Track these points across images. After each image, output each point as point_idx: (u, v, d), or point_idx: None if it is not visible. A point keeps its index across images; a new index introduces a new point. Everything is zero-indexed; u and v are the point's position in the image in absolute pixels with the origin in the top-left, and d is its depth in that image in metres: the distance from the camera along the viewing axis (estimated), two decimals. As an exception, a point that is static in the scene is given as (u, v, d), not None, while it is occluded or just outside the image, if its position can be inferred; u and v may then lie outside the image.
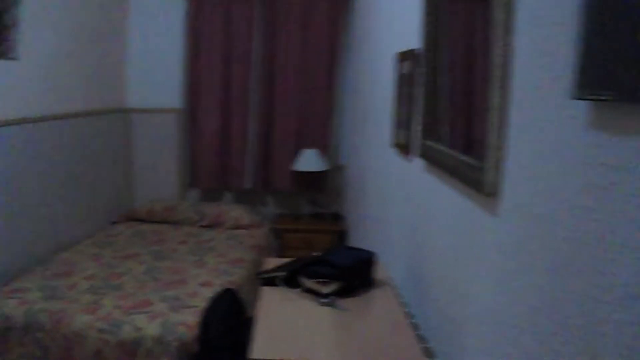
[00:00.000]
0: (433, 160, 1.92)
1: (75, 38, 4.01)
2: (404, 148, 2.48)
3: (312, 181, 4.88)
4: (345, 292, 2.09)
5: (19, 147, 3.43)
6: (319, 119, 4.86)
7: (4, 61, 3.26)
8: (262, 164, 4.95)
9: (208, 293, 3.13)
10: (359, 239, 3.97)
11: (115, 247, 3.97)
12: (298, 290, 2.13)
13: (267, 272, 2.24)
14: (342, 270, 2.05)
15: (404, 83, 2.50)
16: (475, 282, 1.48)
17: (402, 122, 2.52)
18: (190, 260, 3.74)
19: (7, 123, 3.31)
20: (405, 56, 2.47)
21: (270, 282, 2.19)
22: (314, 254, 2.30)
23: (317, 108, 4.84)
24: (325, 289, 2.03)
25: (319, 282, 2.04)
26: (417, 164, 2.24)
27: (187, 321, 2.80)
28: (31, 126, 3.53)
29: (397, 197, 2.65)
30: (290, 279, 2.16)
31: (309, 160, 4.66)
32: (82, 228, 4.20)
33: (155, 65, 4.95)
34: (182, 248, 4.02)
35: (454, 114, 1.85)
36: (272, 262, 2.39)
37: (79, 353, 2.75)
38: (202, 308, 2.82)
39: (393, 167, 2.76)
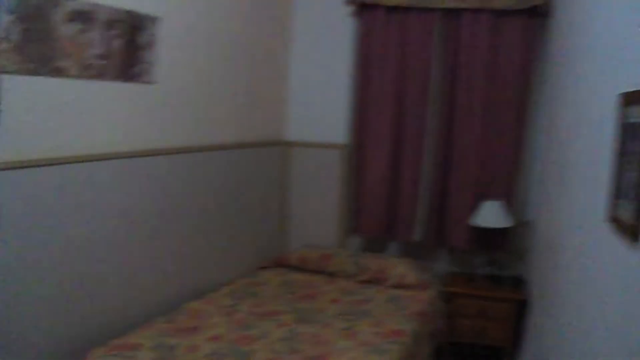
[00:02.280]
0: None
1: (226, 63, 3.63)
2: (628, 229, 1.72)
3: (493, 237, 4.10)
4: None
5: (154, 180, 3.09)
6: (504, 165, 4.06)
7: (138, 84, 2.92)
8: (435, 215, 4.25)
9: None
10: (544, 317, 3.16)
11: (256, 299, 3.49)
12: None
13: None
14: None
15: (632, 137, 1.75)
16: None
17: (627, 192, 1.77)
18: (338, 327, 3.14)
19: (143, 154, 2.99)
20: (635, 99, 1.73)
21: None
22: None
23: (503, 152, 4.05)
24: None
25: None
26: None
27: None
28: (168, 158, 3.18)
29: (611, 291, 1.88)
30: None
31: (489, 214, 3.91)
32: (223, 272, 3.77)
33: (318, 95, 4.48)
34: (332, 308, 3.44)
35: None
36: None
37: None
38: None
39: (606, 249, 1.99)
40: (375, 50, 4.21)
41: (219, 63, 3.54)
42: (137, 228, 3.02)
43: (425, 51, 4.13)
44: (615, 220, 1.87)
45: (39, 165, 2.47)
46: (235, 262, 3.91)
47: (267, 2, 4.03)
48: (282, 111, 4.42)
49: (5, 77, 2.31)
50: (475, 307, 3.92)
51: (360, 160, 4.36)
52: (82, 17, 2.57)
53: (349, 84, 4.37)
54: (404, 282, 3.89)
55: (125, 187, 2.92)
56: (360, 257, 4.17)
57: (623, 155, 1.84)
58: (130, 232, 2.97)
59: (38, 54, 2.41)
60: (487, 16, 3.96)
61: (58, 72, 2.51)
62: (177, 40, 3.16)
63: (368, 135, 4.30)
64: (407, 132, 4.24)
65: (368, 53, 4.23)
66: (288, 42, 4.40)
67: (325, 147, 4.45)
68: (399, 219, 4.33)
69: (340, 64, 4.38)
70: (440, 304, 3.87)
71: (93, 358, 2.58)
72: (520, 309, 3.89)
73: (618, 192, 1.87)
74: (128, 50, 2.83)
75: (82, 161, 2.67)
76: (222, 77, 3.60)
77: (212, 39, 3.46)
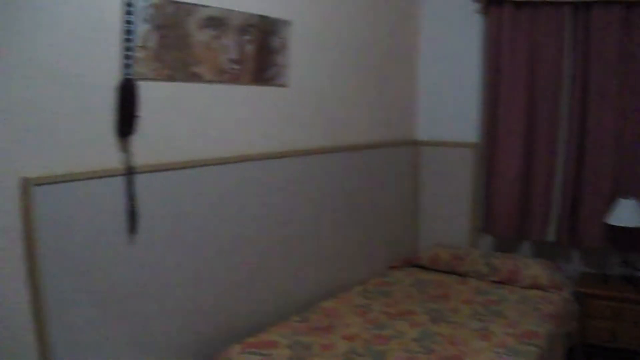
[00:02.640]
0: None
1: (356, 64, 3.47)
2: None
3: (628, 237, 3.65)
4: None
5: (288, 181, 2.98)
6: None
7: (272, 88, 2.82)
8: (568, 213, 3.85)
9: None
10: None
11: (389, 299, 3.29)
12: None
13: None
14: None
15: None
16: None
17: None
18: (472, 328, 2.89)
19: (278, 155, 2.91)
20: None
21: None
22: None
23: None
24: None
25: None
26: None
27: None
28: (302, 159, 3.07)
29: None
30: None
31: (625, 212, 3.47)
32: (355, 272, 3.61)
33: (448, 93, 4.19)
34: (465, 309, 3.17)
35: None
36: None
37: None
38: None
39: None
40: (504, 46, 3.87)
41: (348, 64, 3.39)
42: (271, 229, 2.92)
43: (555, 46, 3.74)
44: None
45: (176, 168, 2.42)
46: (367, 261, 3.74)
47: (392, 3, 3.80)
48: (412, 111, 4.19)
49: (144, 83, 2.26)
50: (609, 309, 3.51)
51: (492, 158, 4.04)
52: (216, 23, 2.49)
53: (479, 82, 4.05)
54: (537, 283, 3.55)
55: (259, 189, 2.83)
56: (492, 257, 3.86)
57: None
58: (264, 233, 2.88)
59: (174, 60, 2.36)
60: (618, 8, 3.51)
61: (194, 78, 2.45)
62: (307, 43, 3.04)
63: (499, 132, 3.97)
64: (539, 129, 3.87)
65: (497, 49, 3.91)
66: (416, 41, 4.17)
67: (456, 145, 4.16)
68: (531, 218, 3.97)
69: (470, 62, 4.08)
70: (573, 305, 3.49)
71: (229, 355, 2.50)
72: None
73: None
74: (261, 54, 2.73)
75: (218, 164, 2.60)
76: (352, 79, 3.44)
77: (341, 40, 3.31)
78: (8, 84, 1.91)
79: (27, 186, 1.96)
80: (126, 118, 2.21)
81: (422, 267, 3.93)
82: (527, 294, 3.44)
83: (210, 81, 2.53)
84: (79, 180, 2.10)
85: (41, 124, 2.01)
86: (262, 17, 2.70)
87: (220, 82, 2.58)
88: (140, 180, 2.28)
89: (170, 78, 2.36)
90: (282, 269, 3.01)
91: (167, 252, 2.42)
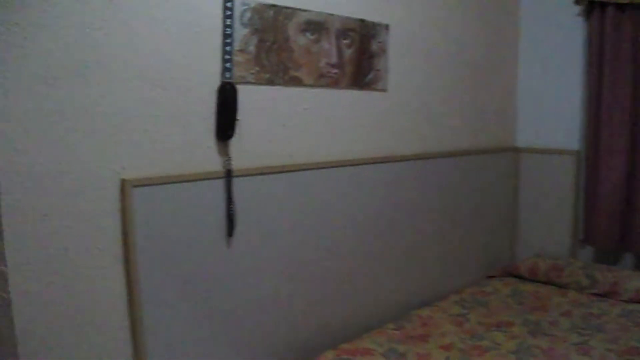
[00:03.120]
0: None
1: (453, 69, 3.17)
2: None
3: None
4: None
5: (386, 186, 2.76)
6: None
7: (371, 92, 2.59)
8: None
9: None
10: None
11: (486, 309, 2.97)
12: None
13: None
14: None
15: None
16: None
17: None
18: (572, 342, 2.54)
19: (377, 161, 2.68)
20: None
21: None
22: None
23: None
24: None
25: None
26: None
27: None
28: (401, 164, 2.83)
29: None
30: None
31: None
32: (451, 280, 3.31)
33: (548, 99, 3.79)
34: (564, 322, 2.81)
35: None
36: None
37: None
38: None
39: None
40: (607, 50, 3.44)
41: (445, 69, 3.10)
42: (367, 235, 2.70)
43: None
44: None
45: (273, 172, 2.25)
46: (463, 270, 3.43)
47: (491, 6, 3.45)
48: (511, 117, 3.83)
49: (243, 87, 2.09)
50: None
51: (594, 165, 3.61)
52: (316, 27, 2.30)
53: (581, 86, 3.63)
54: (639, 297, 3.11)
55: (356, 194, 2.62)
56: (592, 268, 3.44)
57: None
58: (360, 239, 2.67)
59: (273, 64, 2.18)
60: None
61: (293, 82, 2.27)
62: (405, 48, 2.79)
63: (602, 139, 3.54)
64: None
65: (600, 53, 3.48)
66: (516, 44, 3.79)
67: (557, 153, 3.76)
68: (635, 228, 3.51)
69: (571, 66, 3.67)
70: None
71: (324, 361, 2.29)
72: None
73: None
74: (360, 59, 2.51)
75: (316, 168, 2.41)
76: (449, 83, 3.15)
77: (438, 44, 3.04)
78: (109, 88, 1.80)
79: (126, 188, 1.84)
80: (225, 121, 2.06)
81: (520, 277, 3.57)
82: (629, 308, 3.02)
83: (309, 85, 2.34)
84: (177, 182, 1.97)
85: (141, 126, 1.89)
86: (361, 21, 2.49)
87: (320, 86, 2.38)
88: (237, 183, 2.12)
89: (270, 82, 2.19)
90: (377, 275, 2.78)
91: (262, 255, 2.26)
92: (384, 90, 2.67)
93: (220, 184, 2.08)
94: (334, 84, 2.43)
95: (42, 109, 1.67)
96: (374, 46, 2.57)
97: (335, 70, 2.41)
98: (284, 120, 2.29)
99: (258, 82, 2.15)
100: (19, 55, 1.61)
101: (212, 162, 2.07)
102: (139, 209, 1.87)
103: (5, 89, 1.60)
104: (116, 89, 1.81)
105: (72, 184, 1.75)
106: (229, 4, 2.01)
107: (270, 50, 2.16)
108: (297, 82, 2.28)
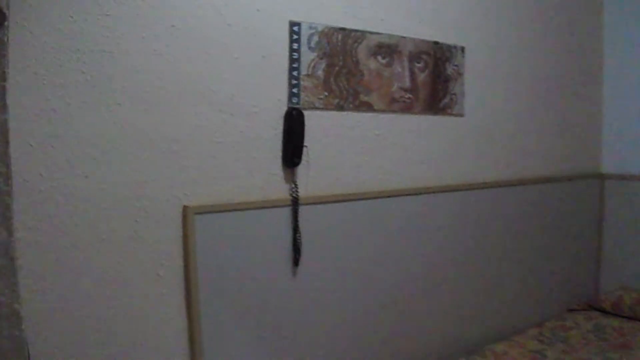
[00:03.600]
0: None
1: (532, 92, 2.81)
2: None
3: None
4: None
5: (460, 215, 2.45)
6: None
7: (446, 117, 2.31)
8: None
9: None
10: None
11: (566, 345, 2.59)
12: None
13: None
14: None
15: None
16: None
17: None
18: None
19: (451, 188, 2.40)
20: None
21: None
22: None
23: None
24: None
25: None
26: None
27: None
28: (475, 192, 2.51)
29: None
30: None
31: None
32: (529, 313, 2.93)
33: (636, 121, 3.33)
34: (651, 362, 2.40)
35: None
36: None
37: None
38: None
39: None
40: None
41: (525, 92, 2.76)
42: (438, 265, 2.40)
43: None
44: None
45: (342, 201, 2.01)
46: (543, 302, 3.04)
47: (572, 25, 3.06)
48: (595, 141, 3.39)
49: (310, 112, 1.88)
50: None
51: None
52: (387, 50, 2.07)
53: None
54: None
55: (429, 223, 2.34)
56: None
57: None
58: (430, 269, 2.37)
59: (343, 89, 1.96)
60: None
61: (363, 107, 2.03)
62: (482, 70, 2.50)
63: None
64: None
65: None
66: (599, 65, 3.36)
67: (645, 180, 3.29)
68: None
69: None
70: None
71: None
72: None
73: None
74: (434, 82, 2.25)
75: (386, 197, 2.15)
76: (529, 107, 2.80)
77: (517, 66, 2.71)
78: (173, 113, 1.64)
79: (188, 215, 1.67)
80: (292, 148, 1.85)
81: (604, 311, 3.13)
82: None
83: (380, 110, 2.10)
84: (241, 210, 1.78)
85: (205, 153, 1.72)
86: (435, 43, 2.22)
87: (392, 111, 2.14)
88: (303, 211, 1.90)
89: (339, 107, 1.97)
90: (448, 308, 2.47)
91: (329, 286, 2.02)
92: (460, 115, 2.39)
93: (286, 212, 1.87)
94: (407, 109, 2.17)
95: (104, 134, 1.53)
96: (449, 69, 2.30)
97: (408, 95, 2.16)
98: (354, 146, 2.05)
99: (326, 108, 1.94)
100: (80, 81, 1.48)
101: (278, 189, 1.87)
102: (201, 237, 1.70)
103: (67, 114, 1.47)
104: (180, 115, 1.65)
105: (133, 210, 1.60)
106: (295, 29, 1.82)
107: (339, 75, 1.94)
108: (367, 107, 2.05)
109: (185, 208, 1.67)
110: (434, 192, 2.30)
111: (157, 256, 1.66)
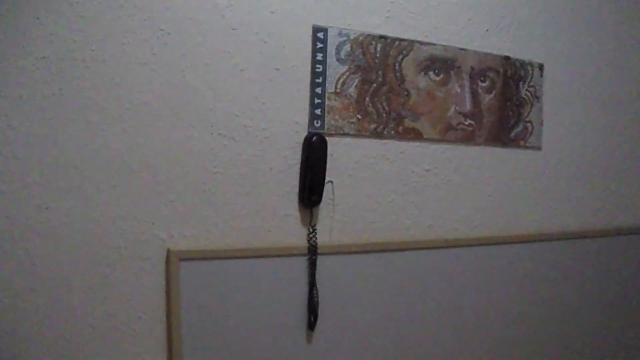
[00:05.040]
0: None
1: (626, 120, 2.25)
2: None
3: None
4: None
5: (528, 270, 1.99)
6: None
7: (518, 150, 1.89)
8: None
9: None
10: None
11: None
12: None
13: None
14: None
15: None
16: None
17: None
18: None
19: (522, 239, 1.95)
20: None
21: None
22: None
23: None
24: None
25: None
26: None
27: None
28: (550, 245, 2.04)
29: None
30: None
31: None
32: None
33: None
34: None
35: None
36: None
37: None
38: None
39: None
40: None
41: (621, 123, 2.22)
42: (481, 327, 1.93)
43: None
44: None
45: (373, 251, 1.63)
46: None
47: None
48: None
49: (338, 139, 1.55)
50: None
51: None
52: (442, 65, 1.69)
53: None
54: None
55: (489, 281, 1.88)
56: None
57: None
58: (464, 335, 1.91)
59: (382, 111, 1.60)
60: None
61: (409, 135, 1.66)
62: (566, 94, 2.02)
63: None
64: None
65: None
66: None
67: None
68: None
69: None
70: None
71: None
72: None
73: None
74: (503, 107, 1.83)
75: (436, 247, 1.74)
76: (627, 140, 2.25)
77: (612, 90, 2.18)
78: (161, 135, 1.37)
79: (172, 260, 1.37)
80: (311, 183, 1.51)
81: None
82: None
83: (432, 140, 1.71)
84: (241, 258, 1.45)
85: (198, 185, 1.42)
86: (506, 58, 1.81)
87: (447, 141, 1.75)
88: (323, 262, 1.55)
89: (376, 134, 1.61)
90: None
91: (352, 358, 1.63)
92: (536, 148, 1.94)
93: (300, 262, 1.53)
94: (467, 138, 1.78)
95: (70, 157, 1.28)
96: (523, 91, 1.87)
97: (468, 121, 1.76)
98: (394, 184, 1.68)
99: (359, 134, 1.59)
100: (46, 94, 1.24)
101: (291, 234, 1.53)
102: (188, 289, 1.38)
103: (28, 133, 1.23)
104: (168, 137, 1.37)
105: (103, 251, 1.32)
106: (320, 35, 1.49)
107: (377, 94, 1.59)
108: (414, 135, 1.67)
109: (169, 252, 1.37)
110: (497, 244, 1.86)
111: (134, 308, 1.36)
